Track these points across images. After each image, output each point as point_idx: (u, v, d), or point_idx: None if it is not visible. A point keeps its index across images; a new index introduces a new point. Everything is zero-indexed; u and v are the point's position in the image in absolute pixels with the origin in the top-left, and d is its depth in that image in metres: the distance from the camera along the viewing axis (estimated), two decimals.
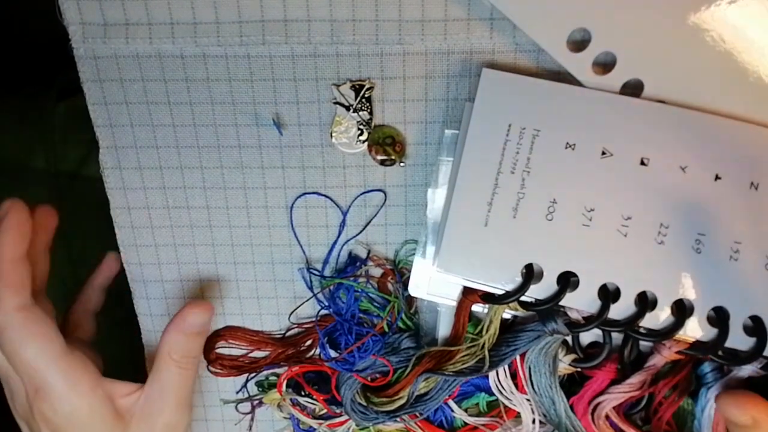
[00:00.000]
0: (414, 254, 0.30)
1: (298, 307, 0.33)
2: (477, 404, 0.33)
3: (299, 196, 0.31)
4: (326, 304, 0.33)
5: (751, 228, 0.26)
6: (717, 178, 0.26)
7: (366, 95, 0.29)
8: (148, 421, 0.29)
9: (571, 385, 0.31)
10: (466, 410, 0.33)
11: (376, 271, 0.33)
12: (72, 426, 0.27)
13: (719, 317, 0.26)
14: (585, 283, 0.27)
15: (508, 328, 0.30)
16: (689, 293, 0.26)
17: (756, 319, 0.26)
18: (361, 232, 0.32)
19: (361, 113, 0.29)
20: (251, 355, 0.35)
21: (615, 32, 0.26)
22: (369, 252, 0.32)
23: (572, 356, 0.30)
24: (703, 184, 0.26)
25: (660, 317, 0.26)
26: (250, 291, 0.33)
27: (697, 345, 0.27)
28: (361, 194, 0.31)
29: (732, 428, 0.27)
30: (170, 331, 0.29)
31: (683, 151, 0.26)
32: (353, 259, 0.32)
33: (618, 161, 0.26)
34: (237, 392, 0.36)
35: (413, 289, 0.30)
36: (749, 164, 0.26)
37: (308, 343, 0.34)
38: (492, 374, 0.30)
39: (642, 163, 0.26)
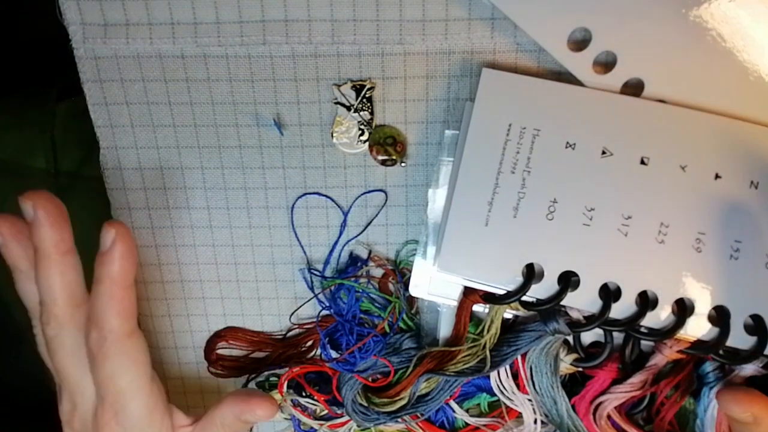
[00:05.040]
0: (415, 254, 0.30)
1: (299, 308, 0.33)
2: (478, 404, 0.33)
3: (300, 197, 0.31)
4: (327, 304, 0.33)
5: (751, 227, 0.26)
6: (717, 177, 0.26)
7: (367, 95, 0.29)
8: None
9: (572, 385, 0.31)
10: (467, 411, 0.33)
11: (377, 272, 0.33)
12: None
13: (720, 316, 0.26)
14: (586, 283, 0.27)
15: (509, 328, 0.30)
16: (690, 292, 0.26)
17: (757, 318, 0.26)
18: (362, 232, 0.32)
19: (362, 113, 0.29)
20: (252, 355, 0.35)
21: (616, 32, 0.26)
22: (370, 252, 0.32)
23: (573, 356, 0.30)
24: (703, 183, 0.26)
25: (661, 316, 0.27)
26: (250, 291, 0.33)
27: (698, 344, 0.27)
28: (362, 194, 0.31)
29: (733, 424, 0.27)
30: (228, 408, 0.29)
31: (683, 150, 0.26)
32: (354, 260, 0.32)
33: (618, 160, 0.26)
34: None
35: (414, 290, 0.30)
36: (749, 163, 0.26)
37: (309, 343, 0.34)
38: (493, 374, 0.30)
39: (642, 162, 0.26)
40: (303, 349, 0.34)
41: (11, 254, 0.26)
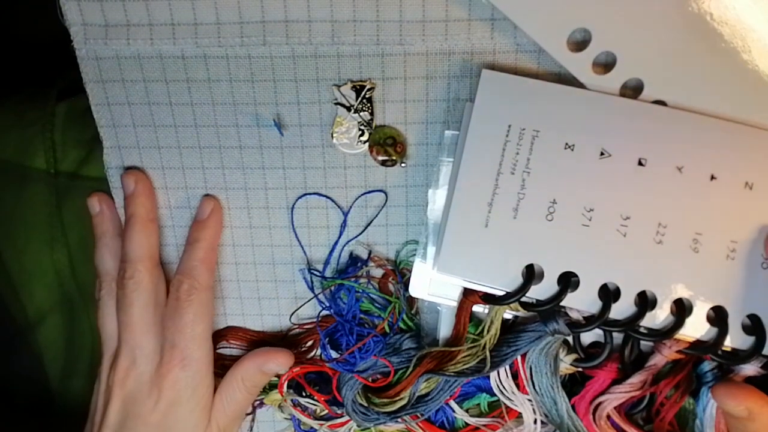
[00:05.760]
0: (415, 255, 0.30)
1: (299, 308, 0.33)
2: (478, 405, 0.33)
3: (300, 197, 0.31)
4: (327, 304, 0.33)
5: (746, 227, 0.26)
6: (713, 178, 0.26)
7: (367, 96, 0.29)
8: (211, 421, 0.32)
9: (572, 385, 0.31)
10: (467, 411, 0.33)
11: (377, 272, 0.33)
12: (187, 400, 0.30)
13: (718, 316, 0.26)
14: (585, 283, 0.27)
15: (509, 328, 0.30)
16: (688, 292, 0.26)
17: (754, 318, 0.26)
18: (362, 232, 0.32)
19: (362, 114, 0.29)
20: None
21: (615, 32, 0.26)
22: (370, 253, 0.32)
23: (573, 356, 0.30)
24: (699, 185, 0.26)
25: (660, 317, 0.27)
26: (251, 291, 0.33)
27: (697, 344, 0.27)
28: (362, 195, 0.31)
29: (728, 419, 0.27)
30: (250, 362, 0.32)
31: (679, 151, 0.26)
32: (354, 260, 0.32)
33: (616, 162, 0.27)
34: None
35: (414, 290, 0.30)
36: (744, 165, 0.26)
37: (309, 343, 0.34)
38: (493, 375, 0.30)
39: (640, 163, 0.26)
40: (303, 349, 0.34)
41: (103, 222, 0.31)
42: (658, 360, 0.28)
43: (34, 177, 0.35)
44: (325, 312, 0.33)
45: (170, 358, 0.30)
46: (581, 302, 0.27)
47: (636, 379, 0.29)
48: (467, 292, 0.29)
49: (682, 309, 0.26)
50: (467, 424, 0.33)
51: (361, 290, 0.32)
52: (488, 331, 0.29)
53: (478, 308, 0.30)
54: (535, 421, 0.31)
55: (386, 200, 0.31)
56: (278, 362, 0.31)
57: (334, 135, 0.30)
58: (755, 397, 0.26)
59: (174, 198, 0.31)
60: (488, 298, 0.29)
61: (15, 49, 0.45)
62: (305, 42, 0.28)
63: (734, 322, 0.26)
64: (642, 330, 0.27)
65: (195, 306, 0.30)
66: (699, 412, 0.29)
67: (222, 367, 0.34)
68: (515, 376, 0.30)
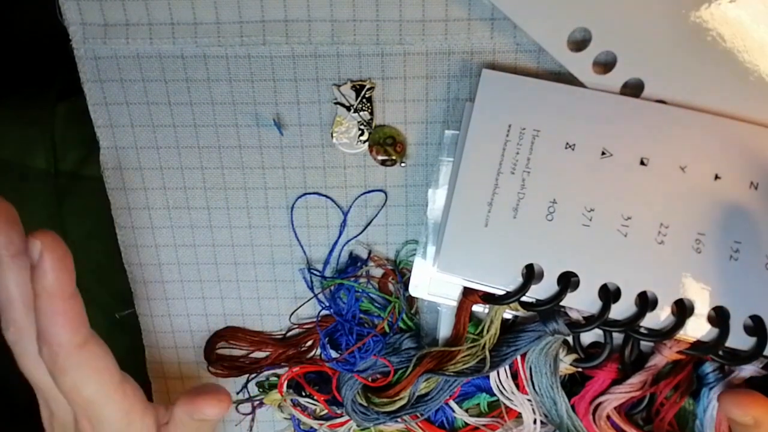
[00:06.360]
0: (415, 254, 0.30)
1: (298, 308, 0.33)
2: (478, 404, 0.33)
3: (300, 197, 0.31)
4: (327, 304, 0.33)
5: (751, 228, 0.26)
6: (717, 177, 0.26)
7: (367, 95, 0.29)
8: None
9: (572, 385, 0.31)
10: (467, 410, 0.33)
11: (377, 272, 0.33)
12: None
13: (720, 317, 0.26)
14: (585, 283, 0.27)
15: (509, 328, 0.30)
16: (689, 293, 0.26)
17: (756, 319, 0.26)
18: (361, 232, 0.32)
19: (361, 113, 0.29)
20: (252, 355, 0.35)
21: (615, 32, 0.26)
22: (370, 252, 0.32)
23: (573, 356, 0.30)
24: (703, 184, 0.26)
25: (660, 317, 0.27)
26: (250, 291, 0.33)
27: (697, 345, 0.27)
28: (361, 194, 0.31)
29: (734, 426, 0.27)
30: (181, 410, 0.28)
31: (683, 150, 0.26)
32: (354, 260, 0.32)
33: (618, 161, 0.26)
34: (237, 393, 0.36)
35: (414, 290, 0.30)
36: (749, 164, 0.26)
37: (309, 343, 0.34)
38: (493, 374, 0.30)
39: (642, 162, 0.26)
40: (303, 349, 0.34)
41: None
42: (659, 360, 0.28)
43: (34, 177, 0.35)
44: (324, 312, 0.33)
45: (78, 420, 0.26)
46: (581, 302, 0.27)
47: (636, 379, 0.29)
48: (467, 292, 0.29)
49: (683, 309, 0.26)
50: (467, 424, 0.33)
51: (360, 290, 0.32)
52: (488, 331, 0.29)
53: (478, 308, 0.30)
54: (535, 421, 0.31)
55: (386, 200, 0.31)
56: (206, 414, 0.27)
57: (334, 135, 0.30)
58: (761, 404, 0.25)
59: (172, 198, 0.31)
60: (488, 298, 0.28)
61: (15, 49, 0.45)
62: (305, 42, 0.28)
63: (736, 323, 0.26)
64: (642, 330, 0.27)
65: (69, 372, 0.24)
66: (699, 413, 0.29)
67: (222, 367, 0.34)
68: (515, 376, 0.30)
